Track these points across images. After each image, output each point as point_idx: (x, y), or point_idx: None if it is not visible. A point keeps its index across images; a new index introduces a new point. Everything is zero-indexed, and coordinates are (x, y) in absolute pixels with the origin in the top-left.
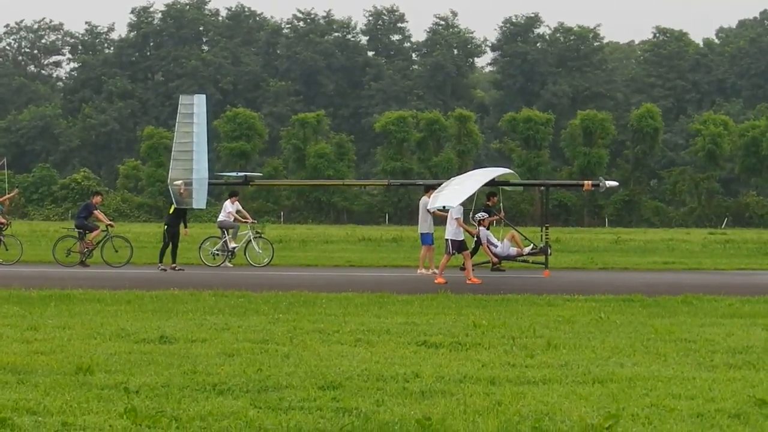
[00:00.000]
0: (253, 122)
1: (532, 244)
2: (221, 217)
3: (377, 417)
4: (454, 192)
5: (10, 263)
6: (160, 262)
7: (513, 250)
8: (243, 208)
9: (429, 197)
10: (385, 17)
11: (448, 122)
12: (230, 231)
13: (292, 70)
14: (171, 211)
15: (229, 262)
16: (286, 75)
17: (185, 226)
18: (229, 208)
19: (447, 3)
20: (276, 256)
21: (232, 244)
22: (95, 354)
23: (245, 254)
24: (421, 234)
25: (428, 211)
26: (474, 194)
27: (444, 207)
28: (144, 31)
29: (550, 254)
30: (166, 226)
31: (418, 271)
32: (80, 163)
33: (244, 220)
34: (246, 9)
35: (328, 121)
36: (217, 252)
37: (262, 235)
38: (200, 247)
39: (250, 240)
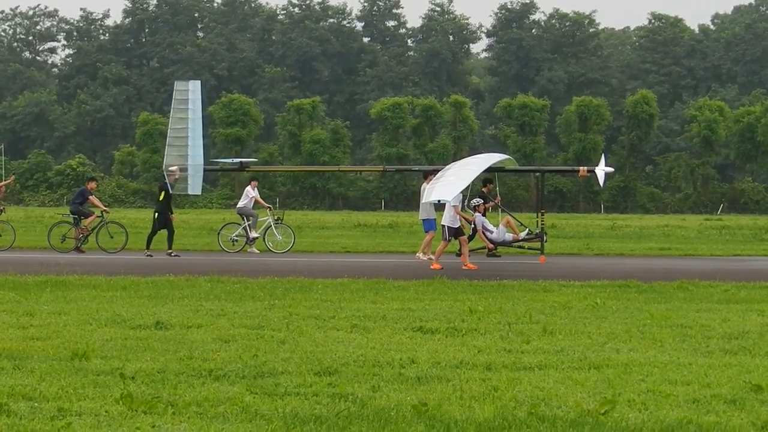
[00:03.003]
0: (248, 108)
1: (527, 229)
2: (242, 203)
3: (373, 403)
4: (450, 184)
5: (4, 249)
6: (147, 248)
7: (509, 236)
8: (238, 194)
9: (429, 183)
10: (380, 3)
11: (443, 108)
12: (251, 218)
13: (287, 56)
14: (161, 198)
15: (253, 247)
16: (282, 61)
17: (171, 212)
18: (252, 193)
19: None
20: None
21: (253, 234)
22: (91, 340)
23: (265, 240)
24: (423, 221)
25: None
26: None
27: (439, 201)
28: (139, 18)
29: (546, 240)
30: (157, 214)
31: (417, 255)
32: (75, 149)
33: (267, 206)
34: None
35: (324, 107)
36: (236, 238)
37: (282, 221)
38: (219, 233)
39: (270, 226)
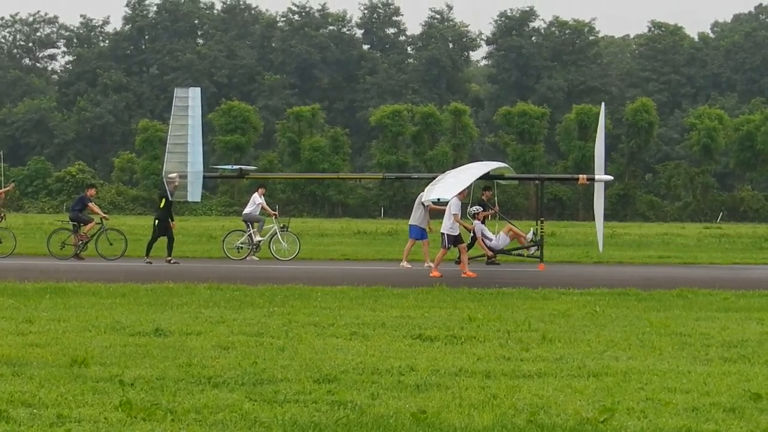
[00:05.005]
0: (248, 115)
1: (531, 230)
2: (248, 210)
3: (372, 410)
4: (449, 185)
5: (5, 256)
6: (147, 255)
7: (507, 240)
8: (237, 201)
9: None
10: (380, 11)
11: (443, 116)
12: (256, 224)
13: (287, 64)
14: (162, 205)
15: (255, 255)
16: (281, 68)
17: (172, 219)
18: (258, 200)
19: None
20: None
21: (257, 238)
22: (90, 347)
23: (270, 248)
24: (410, 226)
25: (422, 204)
26: (472, 189)
27: (438, 200)
28: (139, 25)
29: (537, 243)
30: (157, 221)
31: (425, 264)
32: (75, 156)
33: (273, 213)
34: (241, 2)
35: (323, 115)
36: (241, 245)
37: (288, 229)
38: (224, 240)
39: (276, 233)
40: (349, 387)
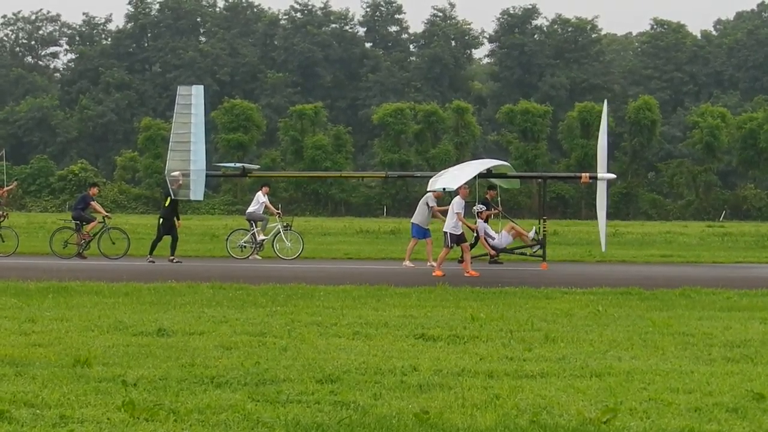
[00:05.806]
0: (250, 114)
1: (534, 228)
2: (251, 209)
3: (375, 410)
4: (453, 177)
5: (7, 255)
6: (150, 254)
7: (509, 238)
8: (240, 200)
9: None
10: (382, 9)
11: (445, 114)
12: (259, 223)
13: (289, 62)
14: (167, 204)
15: (258, 254)
16: (284, 66)
17: (178, 218)
18: (262, 198)
19: None
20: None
21: (260, 237)
22: (93, 346)
23: (274, 247)
24: (412, 224)
25: (427, 204)
26: (476, 188)
27: (444, 189)
28: (141, 22)
29: (539, 241)
30: (161, 219)
31: (428, 263)
32: (78, 154)
33: (277, 212)
34: (243, 0)
35: (326, 113)
36: (244, 244)
37: (291, 228)
38: (227, 239)
39: (279, 232)
40: (351, 387)
